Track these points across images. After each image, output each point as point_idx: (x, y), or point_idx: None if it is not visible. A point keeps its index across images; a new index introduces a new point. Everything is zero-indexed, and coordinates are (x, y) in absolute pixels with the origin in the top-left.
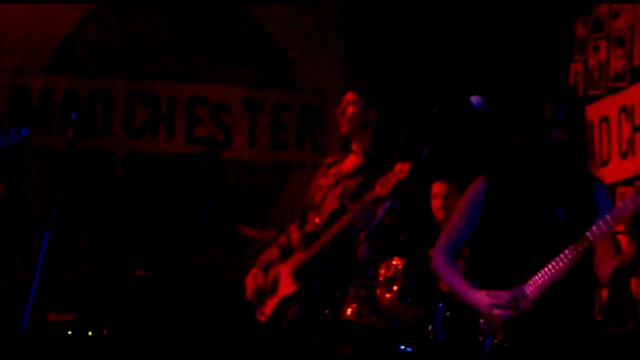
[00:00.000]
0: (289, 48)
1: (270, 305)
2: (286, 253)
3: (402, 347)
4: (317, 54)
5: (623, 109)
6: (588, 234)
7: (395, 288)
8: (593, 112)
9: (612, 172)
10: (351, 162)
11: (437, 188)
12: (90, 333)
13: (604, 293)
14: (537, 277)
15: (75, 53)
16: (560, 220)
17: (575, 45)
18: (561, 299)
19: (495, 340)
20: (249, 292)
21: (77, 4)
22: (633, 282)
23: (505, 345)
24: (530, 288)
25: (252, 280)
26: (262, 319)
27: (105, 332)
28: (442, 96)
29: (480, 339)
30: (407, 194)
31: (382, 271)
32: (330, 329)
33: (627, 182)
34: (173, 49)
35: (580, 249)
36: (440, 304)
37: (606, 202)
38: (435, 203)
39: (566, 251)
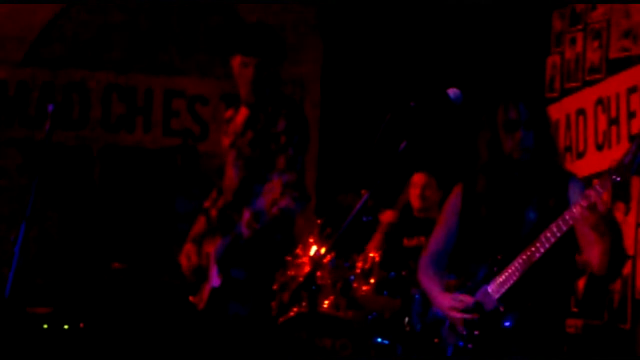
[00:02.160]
0: None
1: (205, 292)
2: (211, 226)
3: (379, 339)
4: (295, 45)
5: (599, 101)
6: (547, 231)
7: (372, 281)
8: (570, 104)
9: (589, 164)
10: (242, 115)
11: (417, 178)
12: (66, 326)
13: (580, 285)
14: (499, 276)
15: (52, 46)
16: (531, 222)
17: (552, 37)
18: (527, 296)
19: (459, 343)
20: (186, 272)
21: None
22: None
23: (469, 346)
24: (493, 287)
25: (186, 260)
26: (201, 305)
27: (81, 325)
28: (419, 89)
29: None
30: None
31: (359, 264)
32: (308, 321)
33: (602, 175)
34: (150, 41)
35: (544, 243)
36: (417, 296)
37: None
38: (414, 192)
39: (529, 248)
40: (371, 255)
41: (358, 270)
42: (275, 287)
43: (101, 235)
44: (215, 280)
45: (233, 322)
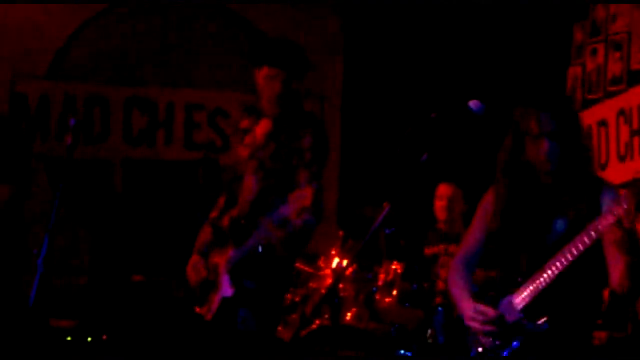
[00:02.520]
0: None
1: (215, 302)
2: (220, 236)
3: (402, 351)
4: (317, 60)
5: (621, 112)
6: (572, 244)
7: (394, 292)
8: (591, 115)
9: (611, 175)
10: (263, 127)
11: (443, 190)
12: (89, 339)
13: (605, 296)
14: (524, 286)
15: (73, 60)
16: (559, 231)
17: (573, 49)
18: (554, 308)
19: (479, 349)
20: (193, 284)
21: (76, 10)
22: None
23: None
24: (518, 298)
25: (194, 273)
26: (209, 316)
27: (104, 337)
28: (441, 100)
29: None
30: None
31: (382, 275)
32: (331, 333)
33: (626, 185)
34: (171, 55)
35: (568, 256)
36: (440, 308)
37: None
38: (440, 204)
39: (553, 260)
40: (393, 267)
41: (380, 282)
42: (297, 299)
43: (122, 248)
44: (227, 290)
45: (242, 333)
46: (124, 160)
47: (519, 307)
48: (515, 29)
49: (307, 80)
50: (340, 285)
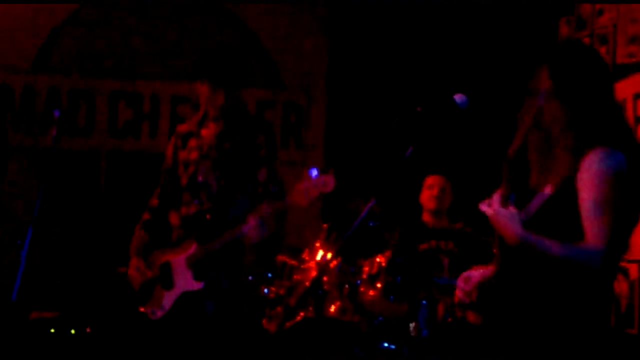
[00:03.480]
0: (273, 47)
1: (168, 298)
2: (162, 235)
3: (386, 344)
4: (301, 53)
5: None
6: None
7: (378, 285)
8: None
9: None
10: (212, 129)
11: (434, 180)
12: (73, 331)
13: None
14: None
15: (58, 52)
16: (545, 197)
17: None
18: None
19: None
20: (137, 286)
21: (61, 3)
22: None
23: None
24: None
25: (138, 274)
26: (159, 313)
27: (88, 329)
28: (426, 94)
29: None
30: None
31: (366, 269)
32: (315, 326)
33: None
34: (156, 48)
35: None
36: (424, 302)
37: (585, 172)
38: (430, 193)
39: None
40: (378, 260)
41: (364, 275)
42: (281, 292)
43: (107, 239)
44: (193, 284)
45: (212, 322)
46: (109, 152)
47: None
48: (501, 24)
49: (293, 73)
50: (325, 278)
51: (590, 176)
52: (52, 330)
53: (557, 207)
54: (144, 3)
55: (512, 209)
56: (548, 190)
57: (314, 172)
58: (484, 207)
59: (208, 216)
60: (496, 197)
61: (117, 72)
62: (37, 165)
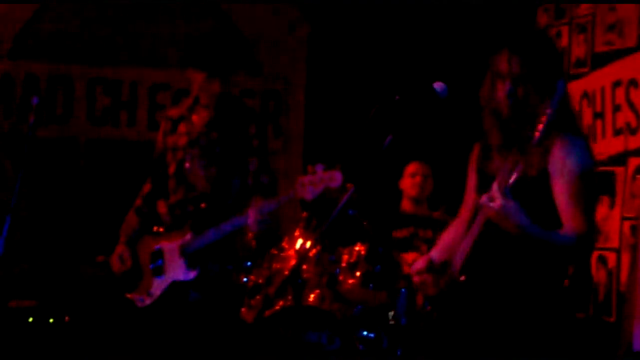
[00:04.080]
0: (251, 34)
1: (158, 286)
2: (151, 221)
3: (365, 332)
4: (281, 41)
5: (585, 95)
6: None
7: (358, 274)
8: None
9: None
10: (202, 116)
11: (417, 167)
12: (51, 320)
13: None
14: (460, 246)
15: (36, 38)
16: (510, 186)
17: None
18: (487, 269)
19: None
20: (117, 273)
21: None
22: (594, 267)
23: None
24: (456, 257)
25: (119, 262)
26: (148, 300)
27: (66, 318)
28: (405, 82)
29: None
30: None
31: (345, 257)
32: (294, 314)
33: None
34: (135, 35)
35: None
36: (403, 290)
37: (557, 160)
38: (412, 181)
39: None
40: (357, 249)
41: (344, 264)
42: (260, 281)
43: (86, 228)
44: (186, 273)
45: (199, 311)
46: (88, 140)
47: (457, 266)
48: (480, 12)
49: (272, 61)
50: (304, 267)
51: (564, 166)
52: (30, 319)
53: (526, 194)
54: None
55: (512, 201)
56: (513, 179)
57: (320, 167)
58: (486, 202)
59: (203, 205)
60: (496, 190)
61: (96, 59)
62: (15, 153)
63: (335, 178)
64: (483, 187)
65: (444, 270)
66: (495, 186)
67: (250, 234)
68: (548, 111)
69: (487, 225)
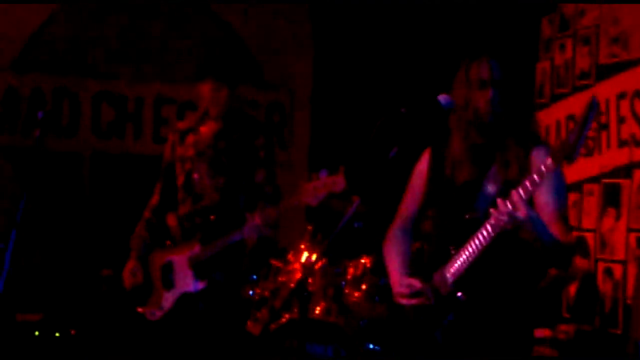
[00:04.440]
0: (257, 47)
1: (168, 299)
2: (161, 235)
3: (371, 345)
4: (286, 53)
5: None
6: (493, 217)
7: (363, 287)
8: (560, 110)
9: (579, 170)
10: (210, 127)
11: None
12: (57, 333)
13: (572, 290)
14: (455, 257)
15: (42, 52)
16: (489, 196)
17: (542, 44)
18: (485, 283)
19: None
20: (129, 287)
21: (45, 3)
22: (600, 279)
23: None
24: (448, 269)
25: (131, 277)
26: (158, 314)
27: (72, 332)
28: (410, 95)
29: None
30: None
31: (351, 270)
32: (299, 328)
33: (593, 179)
34: (141, 49)
35: (493, 226)
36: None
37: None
38: None
39: (480, 229)
40: (363, 261)
41: (349, 277)
42: (266, 294)
43: (91, 241)
44: (195, 284)
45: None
46: (93, 153)
47: (450, 280)
48: (484, 24)
49: (278, 73)
50: (309, 280)
51: (544, 178)
52: (37, 333)
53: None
54: (128, 3)
55: (533, 210)
56: (492, 189)
57: (324, 173)
58: (510, 211)
59: (212, 217)
60: (518, 199)
61: (101, 72)
62: (20, 167)
63: (339, 182)
64: (442, 195)
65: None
66: (516, 195)
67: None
68: (516, 123)
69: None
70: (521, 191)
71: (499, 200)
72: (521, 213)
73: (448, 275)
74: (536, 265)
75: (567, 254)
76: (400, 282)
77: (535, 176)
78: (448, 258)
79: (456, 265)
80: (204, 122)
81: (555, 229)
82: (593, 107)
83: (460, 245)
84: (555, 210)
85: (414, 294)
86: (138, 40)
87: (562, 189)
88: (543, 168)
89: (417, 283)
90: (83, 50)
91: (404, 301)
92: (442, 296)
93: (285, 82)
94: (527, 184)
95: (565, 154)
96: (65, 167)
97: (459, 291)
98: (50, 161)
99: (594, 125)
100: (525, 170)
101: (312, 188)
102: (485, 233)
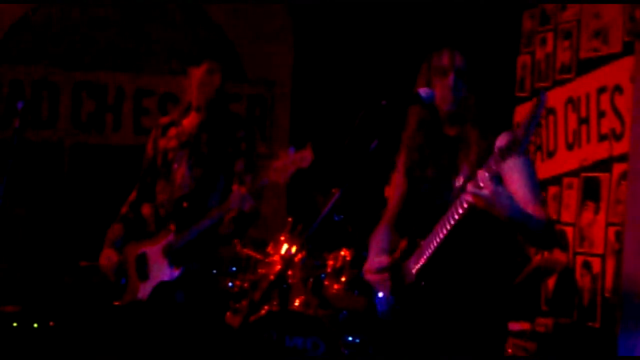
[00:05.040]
0: (237, 39)
1: (145, 290)
2: (136, 228)
3: (350, 338)
4: (266, 46)
5: (570, 100)
6: (459, 200)
7: (343, 279)
8: None
9: (559, 163)
10: (193, 119)
11: None
12: (35, 325)
13: (550, 283)
14: (420, 249)
15: (21, 43)
16: (457, 188)
17: (523, 37)
18: (451, 273)
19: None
20: (108, 273)
21: None
22: (578, 273)
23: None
24: (413, 259)
25: (108, 262)
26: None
27: (51, 323)
28: (391, 88)
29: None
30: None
31: (330, 262)
32: (279, 320)
33: (574, 173)
34: (120, 40)
35: (454, 215)
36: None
37: (510, 162)
38: None
39: (442, 220)
40: (342, 254)
41: (329, 269)
42: (245, 285)
43: (70, 233)
44: (170, 273)
45: (183, 311)
46: (73, 144)
47: (413, 270)
48: (465, 17)
49: (258, 66)
50: (289, 272)
51: (516, 161)
52: (15, 324)
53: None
54: None
55: (501, 186)
56: (459, 182)
57: (291, 149)
58: (474, 189)
59: (185, 204)
60: (483, 177)
61: (81, 63)
62: None
63: (306, 157)
64: (415, 191)
65: (397, 269)
66: (481, 173)
67: (228, 217)
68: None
69: (463, 222)
70: (485, 170)
71: (468, 184)
72: (486, 190)
73: (412, 264)
74: (509, 253)
75: (545, 229)
76: (371, 259)
77: (497, 154)
78: (414, 249)
79: (421, 255)
80: (188, 114)
81: (531, 210)
82: (540, 103)
83: (426, 236)
84: (528, 193)
85: (381, 269)
86: (118, 31)
87: (531, 175)
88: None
89: (385, 260)
90: (63, 41)
91: (368, 276)
92: (406, 286)
93: (266, 75)
94: (491, 163)
95: (512, 149)
96: (45, 158)
97: (422, 281)
98: (30, 152)
99: (543, 121)
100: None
101: (281, 166)
102: (449, 220)
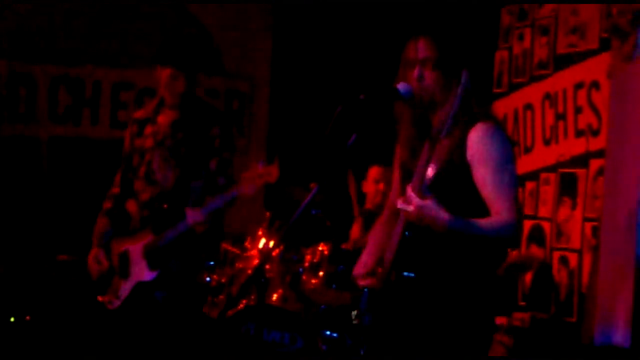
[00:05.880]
0: (216, 33)
1: (124, 288)
2: (121, 223)
3: (328, 332)
4: (245, 41)
5: (547, 96)
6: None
7: (321, 274)
8: (518, 99)
9: (536, 159)
10: (168, 117)
11: (379, 173)
12: (12, 319)
13: (528, 278)
14: (389, 245)
15: None
16: (429, 178)
17: (501, 33)
18: (422, 266)
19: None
20: (95, 276)
21: None
22: (555, 268)
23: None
24: (388, 251)
25: (95, 264)
26: (116, 303)
27: (27, 318)
28: (369, 82)
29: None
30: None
31: (308, 257)
32: (257, 314)
33: (551, 169)
34: (99, 33)
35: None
36: (366, 290)
37: (477, 149)
38: (377, 187)
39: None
40: (320, 248)
41: (307, 264)
42: (223, 280)
43: (48, 226)
44: (147, 274)
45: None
46: (50, 138)
47: (387, 261)
48: (444, 13)
49: (237, 60)
50: (267, 266)
51: (484, 153)
52: None
53: (447, 187)
54: None
55: (430, 199)
56: (430, 172)
57: (261, 163)
58: (402, 205)
59: (165, 205)
60: (410, 193)
61: (58, 57)
62: None
63: (273, 173)
64: (404, 185)
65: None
66: (409, 188)
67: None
68: (453, 101)
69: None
70: (416, 181)
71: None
72: (411, 206)
73: (386, 255)
74: (465, 252)
75: (506, 231)
76: (358, 263)
77: (424, 161)
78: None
79: (391, 247)
80: (161, 111)
81: (496, 206)
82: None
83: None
84: (492, 184)
85: (368, 274)
86: (96, 25)
87: (500, 160)
88: None
89: (370, 261)
90: (40, 35)
91: (358, 282)
92: (382, 278)
93: (244, 70)
94: (420, 171)
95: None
96: (22, 152)
97: (392, 273)
98: (7, 146)
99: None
100: (462, 151)
101: (250, 178)
102: (399, 224)
